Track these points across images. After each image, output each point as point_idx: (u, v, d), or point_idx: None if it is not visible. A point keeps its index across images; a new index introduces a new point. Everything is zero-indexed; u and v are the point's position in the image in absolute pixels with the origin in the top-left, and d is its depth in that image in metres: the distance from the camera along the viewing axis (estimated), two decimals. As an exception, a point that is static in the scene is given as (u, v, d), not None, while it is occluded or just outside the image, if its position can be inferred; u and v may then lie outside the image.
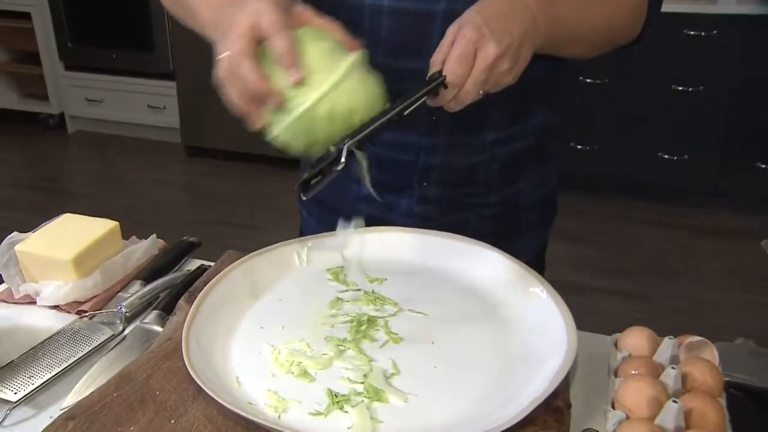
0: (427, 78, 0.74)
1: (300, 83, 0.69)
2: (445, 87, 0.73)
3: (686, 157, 3.18)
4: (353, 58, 0.72)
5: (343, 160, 0.70)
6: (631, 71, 3.10)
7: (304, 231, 1.13)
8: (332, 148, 0.71)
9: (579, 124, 3.26)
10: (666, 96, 3.11)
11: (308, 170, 0.72)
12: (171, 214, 3.04)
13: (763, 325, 2.28)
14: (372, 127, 0.71)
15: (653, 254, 2.95)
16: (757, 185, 3.13)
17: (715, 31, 2.95)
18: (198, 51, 3.55)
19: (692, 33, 2.98)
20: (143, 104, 3.84)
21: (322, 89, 0.70)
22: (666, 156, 3.21)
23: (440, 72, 0.73)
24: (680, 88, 3.08)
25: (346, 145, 0.70)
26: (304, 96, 0.70)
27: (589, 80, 3.16)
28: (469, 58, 0.72)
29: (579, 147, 3.30)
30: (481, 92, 0.75)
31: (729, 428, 0.67)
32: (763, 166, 3.08)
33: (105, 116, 4.00)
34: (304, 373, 0.74)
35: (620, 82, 3.15)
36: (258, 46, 0.70)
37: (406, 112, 0.73)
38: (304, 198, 0.73)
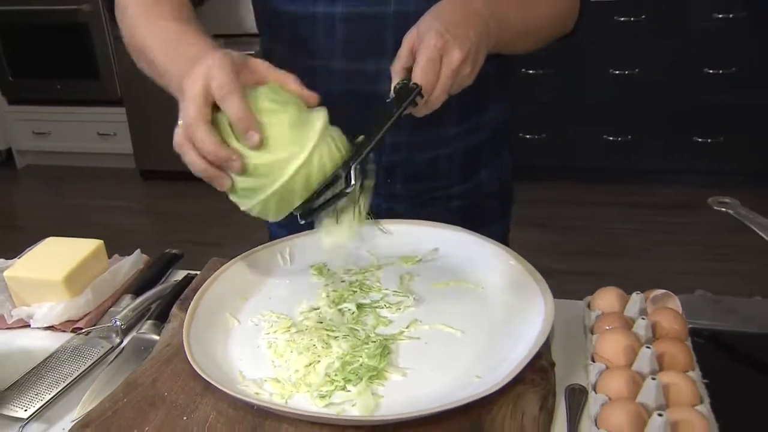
0: (393, 87, 0.77)
1: (260, 146, 0.70)
2: (422, 96, 0.75)
3: (630, 137, 3.31)
4: (320, 123, 0.73)
5: (353, 182, 0.72)
6: (571, 60, 3.22)
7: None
8: (341, 171, 0.72)
9: (526, 115, 3.36)
10: (605, 81, 3.24)
11: (307, 199, 0.73)
12: (133, 239, 3.02)
13: (722, 287, 2.39)
14: (371, 146, 0.73)
15: (609, 233, 3.06)
16: (695, 159, 3.28)
17: (643, 16, 3.09)
18: (145, 75, 3.54)
19: (622, 19, 3.11)
20: (93, 132, 3.81)
21: (296, 163, 0.70)
22: (611, 138, 3.33)
23: (406, 80, 0.76)
24: (617, 72, 3.21)
25: (353, 167, 0.72)
26: (278, 171, 0.71)
27: (531, 71, 3.27)
28: (436, 64, 0.75)
29: (528, 137, 3.40)
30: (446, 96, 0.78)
31: (696, 367, 0.74)
32: (700, 140, 3.23)
33: (54, 148, 3.95)
34: (304, 361, 0.78)
35: (561, 71, 3.26)
36: (212, 109, 0.71)
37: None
38: (302, 222, 0.75)
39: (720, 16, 3.02)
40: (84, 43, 3.57)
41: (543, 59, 3.21)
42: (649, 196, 3.29)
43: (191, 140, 0.71)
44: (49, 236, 1.04)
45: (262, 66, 0.76)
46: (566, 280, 0.83)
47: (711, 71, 3.11)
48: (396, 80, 0.77)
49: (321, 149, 0.72)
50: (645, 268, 2.75)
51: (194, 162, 0.71)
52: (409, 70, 0.76)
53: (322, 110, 0.75)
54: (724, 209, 0.89)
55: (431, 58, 0.74)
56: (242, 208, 0.76)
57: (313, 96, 0.76)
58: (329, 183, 0.73)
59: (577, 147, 3.39)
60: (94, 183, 3.84)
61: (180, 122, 0.72)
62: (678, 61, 3.14)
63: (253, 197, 0.73)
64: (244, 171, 0.71)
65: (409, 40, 0.78)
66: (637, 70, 3.19)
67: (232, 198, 0.76)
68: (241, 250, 0.97)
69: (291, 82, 0.76)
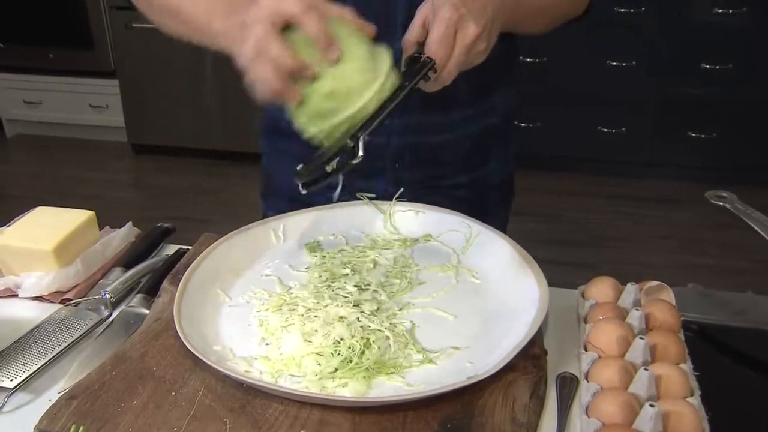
0: (404, 59, 0.76)
1: (337, 63, 0.70)
2: (435, 71, 0.74)
3: (624, 129, 3.31)
4: (389, 55, 0.73)
5: (360, 153, 0.71)
6: (568, 49, 3.20)
7: None
8: (349, 142, 0.71)
9: (521, 103, 3.35)
10: (601, 72, 3.23)
11: (313, 166, 0.72)
12: (123, 212, 2.99)
13: (705, 282, 2.41)
14: (380, 118, 0.72)
15: (595, 224, 3.06)
16: (687, 153, 3.29)
17: (643, 8, 3.08)
18: (140, 47, 3.51)
19: (623, 10, 3.10)
20: (85, 104, 3.75)
21: (373, 88, 0.71)
22: (605, 129, 3.33)
23: (417, 53, 0.75)
24: (614, 64, 3.20)
25: (361, 137, 0.71)
26: (355, 96, 0.71)
27: (528, 59, 3.25)
28: (450, 38, 0.73)
29: (522, 125, 3.39)
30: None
31: (688, 359, 0.74)
32: (693, 135, 3.24)
33: (45, 118, 3.89)
34: (296, 342, 0.77)
35: (557, 60, 3.24)
36: (282, 30, 0.70)
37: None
38: (304, 192, 0.73)
39: (720, 11, 3.01)
40: (78, 11, 3.51)
41: (538, 47, 3.19)
42: (639, 189, 3.30)
43: (264, 55, 0.69)
44: (38, 207, 1.03)
45: (321, 1, 0.73)
46: (545, 269, 0.83)
47: (708, 66, 3.11)
48: (407, 53, 0.76)
49: (391, 79, 0.72)
50: (629, 261, 2.76)
51: (266, 76, 0.70)
52: (420, 44, 0.75)
53: (388, 50, 0.74)
54: (721, 203, 0.89)
55: (446, 31, 0.73)
56: (308, 132, 0.74)
57: (371, 27, 0.75)
58: (336, 153, 0.72)
59: (569, 137, 3.39)
60: (85, 155, 3.79)
61: (248, 43, 0.70)
62: (676, 55, 3.13)
63: (325, 121, 0.72)
64: (316, 80, 0.70)
65: (422, 12, 0.76)
66: (634, 62, 3.18)
67: (299, 122, 0.74)
68: (231, 227, 0.96)
69: (349, 14, 0.74)
